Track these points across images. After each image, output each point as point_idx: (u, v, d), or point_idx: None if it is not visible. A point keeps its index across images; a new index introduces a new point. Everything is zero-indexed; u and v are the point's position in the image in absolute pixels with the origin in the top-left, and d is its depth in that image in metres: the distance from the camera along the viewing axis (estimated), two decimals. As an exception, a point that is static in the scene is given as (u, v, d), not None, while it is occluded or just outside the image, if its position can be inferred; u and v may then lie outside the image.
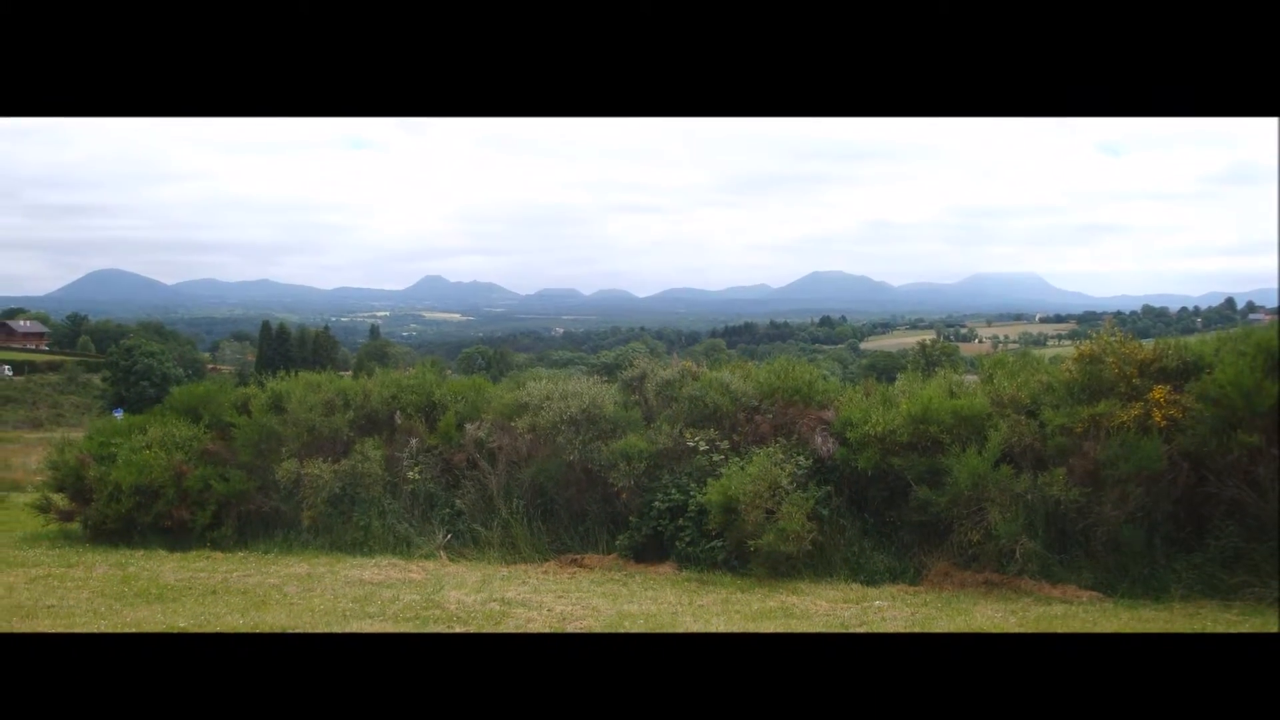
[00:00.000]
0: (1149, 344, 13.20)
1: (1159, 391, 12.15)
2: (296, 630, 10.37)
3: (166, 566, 14.06)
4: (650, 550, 13.80)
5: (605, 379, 17.06)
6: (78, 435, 20.85)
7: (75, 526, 16.69)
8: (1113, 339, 13.07)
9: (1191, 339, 13.85)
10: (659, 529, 13.73)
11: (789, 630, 10.34)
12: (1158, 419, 11.97)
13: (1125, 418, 12.08)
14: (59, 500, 17.05)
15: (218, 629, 10.51)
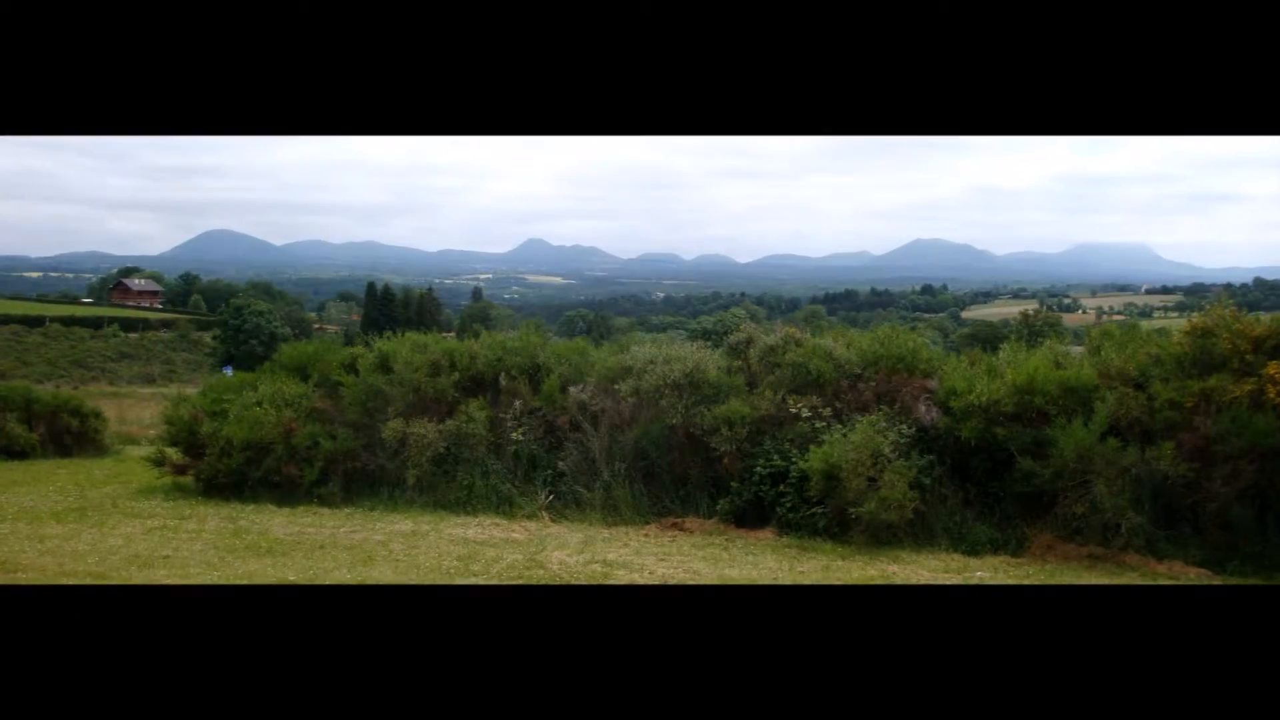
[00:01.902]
0: (1265, 318, 12.84)
1: (1274, 367, 11.84)
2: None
3: (276, 521, 14.40)
4: (751, 515, 13.81)
5: (706, 344, 17.03)
6: (191, 391, 21.37)
7: (188, 480, 17.08)
8: (1225, 312, 12.74)
9: (1310, 313, 13.48)
10: (760, 494, 13.73)
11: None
12: (1272, 395, 11.67)
13: (1238, 393, 11.80)
14: (173, 454, 17.45)
15: (325, 583, 10.78)
